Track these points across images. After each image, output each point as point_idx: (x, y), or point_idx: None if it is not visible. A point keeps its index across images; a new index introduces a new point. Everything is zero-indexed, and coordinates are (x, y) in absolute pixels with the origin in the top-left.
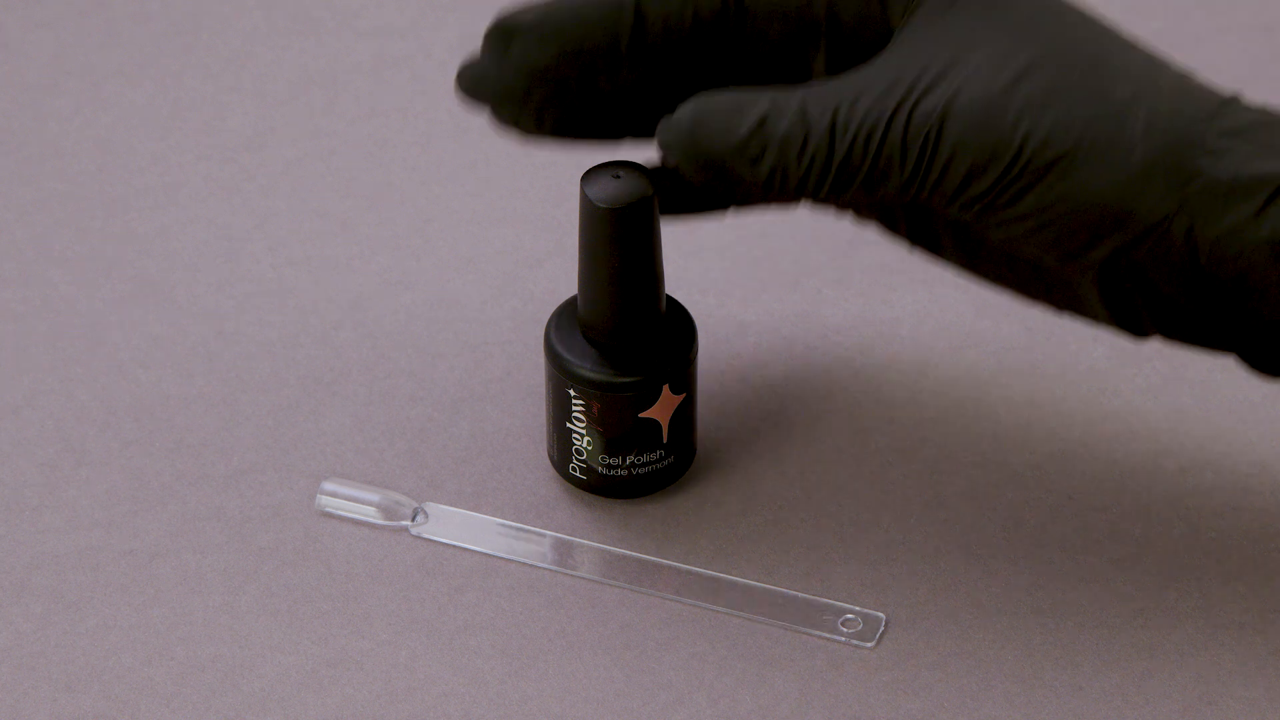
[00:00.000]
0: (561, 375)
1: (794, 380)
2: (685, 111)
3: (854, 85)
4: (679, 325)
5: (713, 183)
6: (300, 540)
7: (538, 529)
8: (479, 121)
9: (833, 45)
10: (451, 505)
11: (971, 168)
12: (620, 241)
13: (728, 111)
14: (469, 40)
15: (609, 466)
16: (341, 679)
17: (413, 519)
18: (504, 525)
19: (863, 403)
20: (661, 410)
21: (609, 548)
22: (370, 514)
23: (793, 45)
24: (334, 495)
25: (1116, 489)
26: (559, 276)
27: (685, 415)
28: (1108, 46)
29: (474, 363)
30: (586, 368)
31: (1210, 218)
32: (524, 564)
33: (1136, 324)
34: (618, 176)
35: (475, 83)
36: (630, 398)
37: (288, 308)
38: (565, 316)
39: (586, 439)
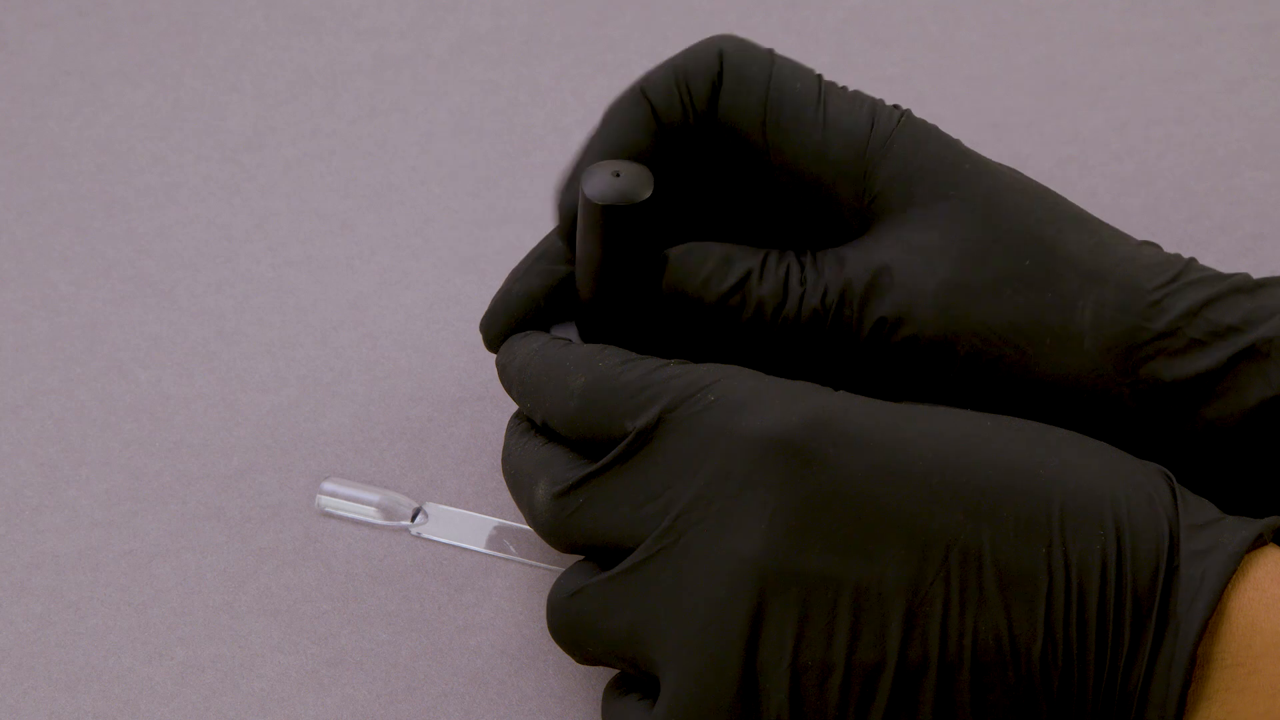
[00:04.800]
0: None
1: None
2: (676, 256)
3: (845, 257)
4: None
5: (690, 321)
6: (300, 540)
7: None
8: (479, 122)
9: (778, 178)
10: (451, 505)
11: (932, 348)
12: (617, 239)
13: (717, 259)
14: (469, 40)
15: None
16: (341, 679)
17: (413, 519)
18: (504, 525)
19: None
20: None
21: None
22: (370, 514)
23: (750, 165)
24: (334, 495)
25: None
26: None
27: None
28: (1057, 227)
29: (474, 363)
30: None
31: (1158, 408)
32: (524, 564)
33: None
34: (617, 174)
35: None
36: None
37: (288, 308)
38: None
39: None
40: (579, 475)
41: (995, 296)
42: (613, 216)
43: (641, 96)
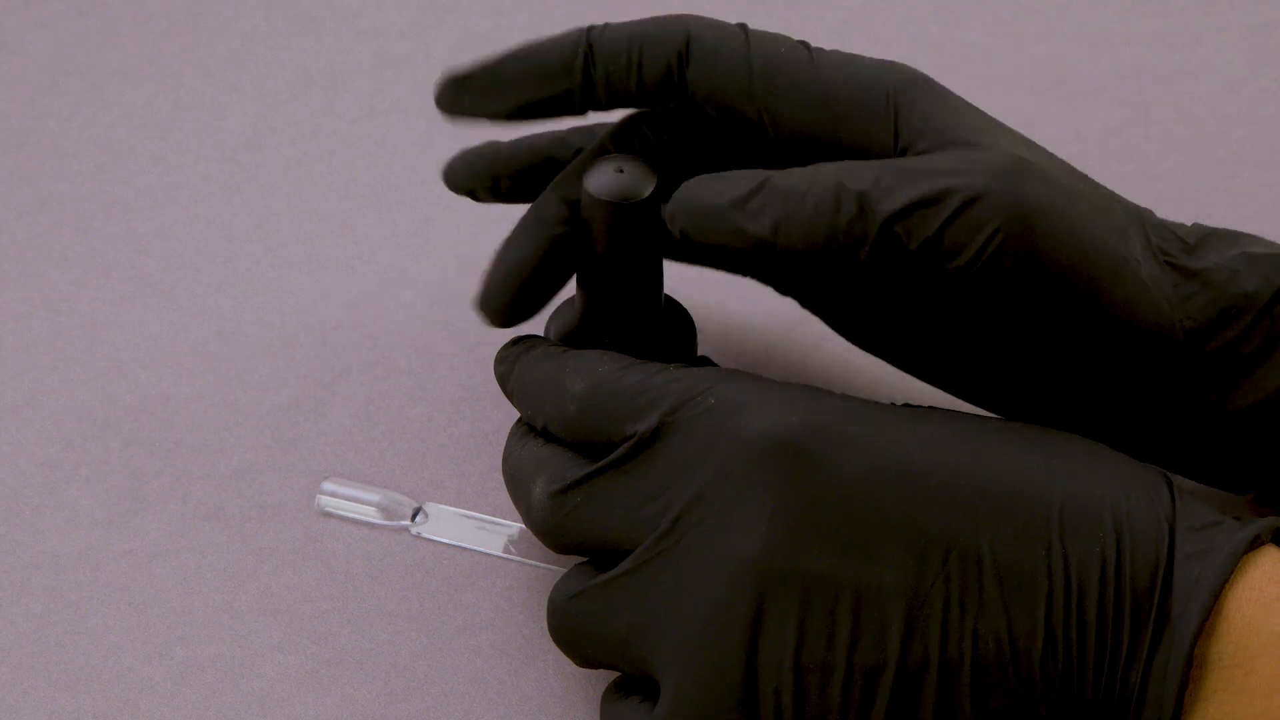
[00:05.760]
0: None
1: (794, 380)
2: (690, 181)
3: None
4: (679, 325)
5: (712, 250)
6: (300, 540)
7: None
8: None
9: (776, 147)
10: (451, 505)
11: (988, 250)
12: (622, 235)
13: (730, 177)
14: (469, 40)
15: None
16: (341, 679)
17: (413, 519)
18: (504, 525)
19: None
20: None
21: None
22: (370, 514)
23: (741, 137)
24: (334, 495)
25: None
26: None
27: None
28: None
29: (474, 363)
30: None
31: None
32: (524, 564)
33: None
34: (620, 170)
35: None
36: None
37: (287, 308)
38: (564, 316)
39: None
40: (578, 475)
41: (1069, 209)
42: (619, 214)
43: (584, 38)
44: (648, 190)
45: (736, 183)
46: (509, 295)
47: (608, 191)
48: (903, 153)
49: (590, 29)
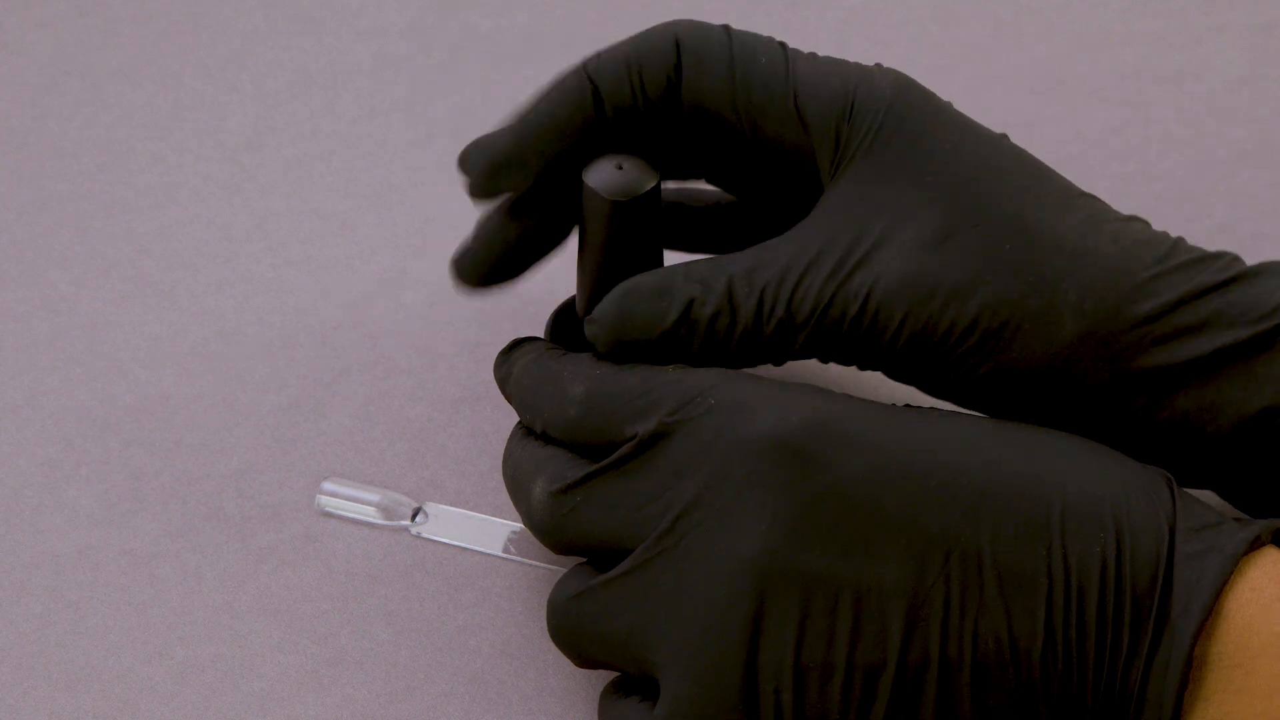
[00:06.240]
0: None
1: (794, 380)
2: (611, 302)
3: (780, 259)
4: None
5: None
6: (300, 540)
7: None
8: (479, 122)
9: (764, 161)
10: (451, 505)
11: (899, 344)
12: (623, 232)
13: (653, 297)
14: (469, 40)
15: None
16: (341, 679)
17: (413, 519)
18: (504, 525)
19: None
20: None
21: None
22: (370, 514)
23: (735, 150)
24: (334, 495)
25: None
26: (559, 276)
27: None
28: (1042, 206)
29: (474, 363)
30: None
31: (1139, 398)
32: (524, 564)
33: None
34: (620, 167)
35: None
36: None
37: (287, 308)
38: (565, 317)
39: None
40: (578, 475)
41: (972, 283)
42: (621, 210)
43: (585, 78)
44: (649, 184)
45: (662, 307)
46: (490, 262)
47: (609, 187)
48: (836, 173)
49: (585, 64)
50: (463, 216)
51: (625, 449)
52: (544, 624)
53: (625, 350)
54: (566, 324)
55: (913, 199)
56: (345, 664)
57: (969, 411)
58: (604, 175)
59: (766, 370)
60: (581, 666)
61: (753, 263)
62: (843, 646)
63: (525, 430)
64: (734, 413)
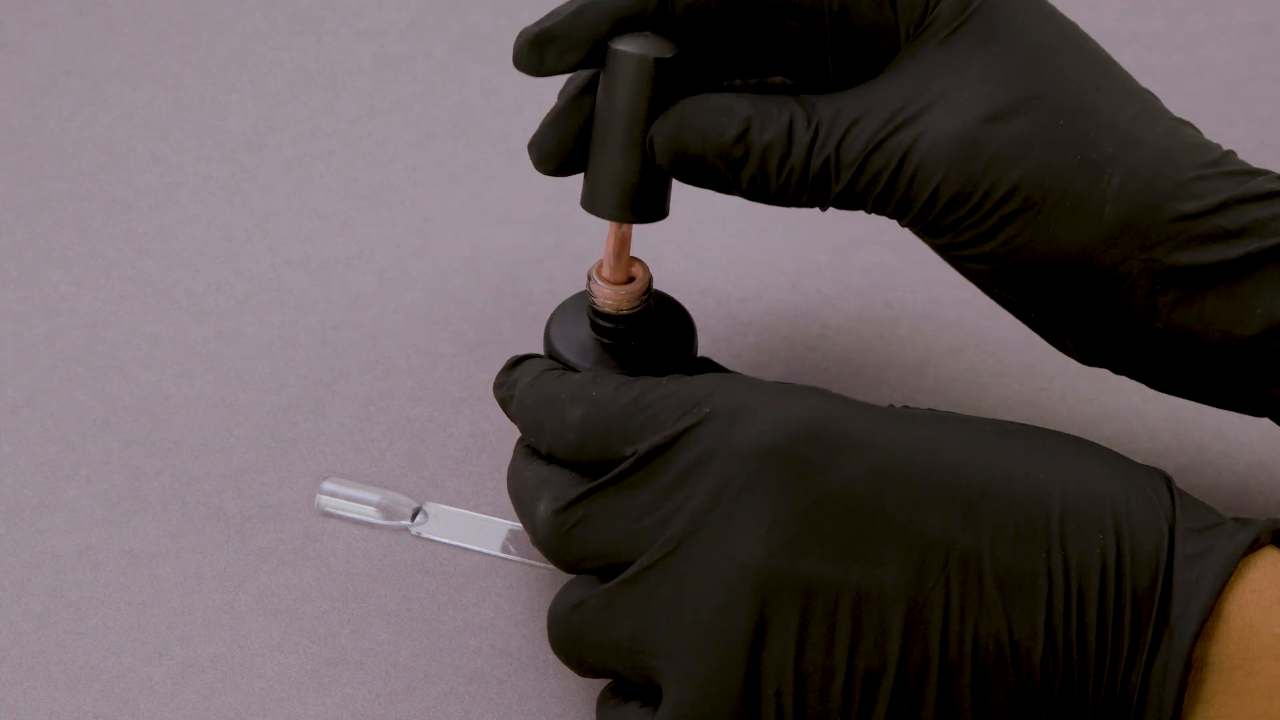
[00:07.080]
0: None
1: (794, 380)
2: (674, 111)
3: (844, 106)
4: (678, 325)
5: (697, 181)
6: (300, 540)
7: None
8: (479, 121)
9: (842, 46)
10: (451, 505)
11: (938, 203)
12: (663, 94)
13: (716, 114)
14: (469, 40)
15: None
16: (341, 679)
17: (413, 519)
18: (504, 525)
19: None
20: None
21: None
22: (370, 514)
23: (808, 39)
24: (334, 495)
25: None
26: (559, 276)
27: None
28: (1102, 92)
29: (474, 363)
30: (587, 367)
31: (1168, 294)
32: (524, 564)
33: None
34: (646, 37)
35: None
36: None
37: (287, 308)
38: (565, 316)
39: None
40: (580, 491)
41: (1020, 151)
42: (664, 68)
43: None
44: (672, 52)
45: (722, 124)
46: (568, 141)
47: (638, 48)
48: (895, 51)
49: None
50: (463, 216)
51: (624, 465)
52: (544, 623)
53: (680, 167)
54: (566, 324)
55: (978, 65)
56: (345, 664)
57: (966, 415)
58: (630, 42)
59: (766, 371)
60: (584, 675)
61: (814, 103)
62: (843, 650)
63: (530, 449)
64: (730, 419)
